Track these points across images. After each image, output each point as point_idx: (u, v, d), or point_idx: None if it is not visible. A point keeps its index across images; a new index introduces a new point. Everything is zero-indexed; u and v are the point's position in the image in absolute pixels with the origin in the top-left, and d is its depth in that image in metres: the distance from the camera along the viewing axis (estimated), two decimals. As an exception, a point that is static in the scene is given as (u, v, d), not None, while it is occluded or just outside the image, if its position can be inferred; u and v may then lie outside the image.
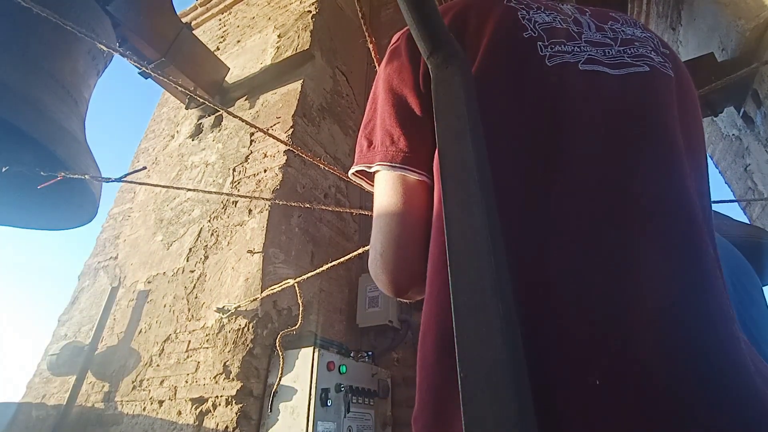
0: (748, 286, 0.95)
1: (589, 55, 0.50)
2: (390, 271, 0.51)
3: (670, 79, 0.51)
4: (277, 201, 1.61)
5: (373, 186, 0.55)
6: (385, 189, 0.51)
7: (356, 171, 0.55)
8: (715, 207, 0.92)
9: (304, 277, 1.88)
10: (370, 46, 0.94)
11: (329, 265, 1.70)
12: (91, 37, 1.01)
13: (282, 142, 1.29)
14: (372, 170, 0.52)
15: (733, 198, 3.11)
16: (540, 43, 0.50)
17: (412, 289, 0.52)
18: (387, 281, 0.52)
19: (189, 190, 1.45)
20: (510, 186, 0.40)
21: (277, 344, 2.02)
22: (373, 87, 0.57)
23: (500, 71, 0.48)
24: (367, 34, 0.88)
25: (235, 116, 1.21)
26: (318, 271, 1.75)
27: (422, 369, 0.39)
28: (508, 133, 0.44)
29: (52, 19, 0.97)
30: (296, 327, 2.07)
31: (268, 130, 2.82)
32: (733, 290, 0.87)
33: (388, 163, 0.50)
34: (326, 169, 1.32)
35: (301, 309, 2.02)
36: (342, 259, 1.71)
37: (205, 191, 1.46)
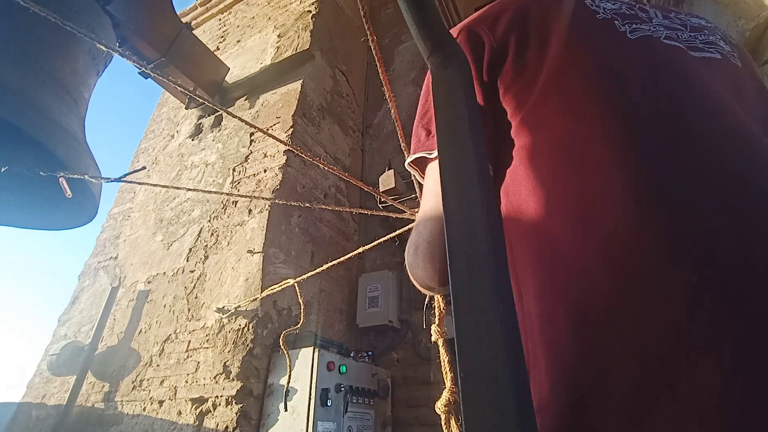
0: None
1: (666, 33, 0.50)
2: (439, 259, 0.50)
3: (739, 69, 0.51)
4: (277, 201, 1.61)
5: (424, 178, 0.56)
6: (435, 177, 0.52)
7: (413, 161, 0.56)
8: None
9: (304, 276, 1.88)
10: (372, 44, 0.94)
11: (329, 264, 1.70)
12: (91, 37, 1.01)
13: (282, 142, 1.29)
14: (432, 156, 0.52)
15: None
16: (616, 21, 0.50)
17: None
18: (430, 270, 0.51)
19: (189, 189, 1.45)
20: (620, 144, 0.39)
21: (282, 343, 2.01)
22: (426, 79, 0.57)
23: (584, 47, 0.47)
24: (369, 32, 0.88)
25: (235, 116, 1.21)
26: (318, 270, 1.75)
27: (552, 350, 0.36)
28: (599, 107, 0.43)
29: (52, 19, 0.97)
30: (299, 326, 2.07)
31: (267, 130, 2.82)
32: None
33: None
34: (326, 169, 1.32)
35: (302, 308, 2.02)
36: (342, 259, 1.71)
37: (205, 191, 1.46)
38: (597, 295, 0.35)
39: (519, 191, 0.45)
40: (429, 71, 0.57)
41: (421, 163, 0.56)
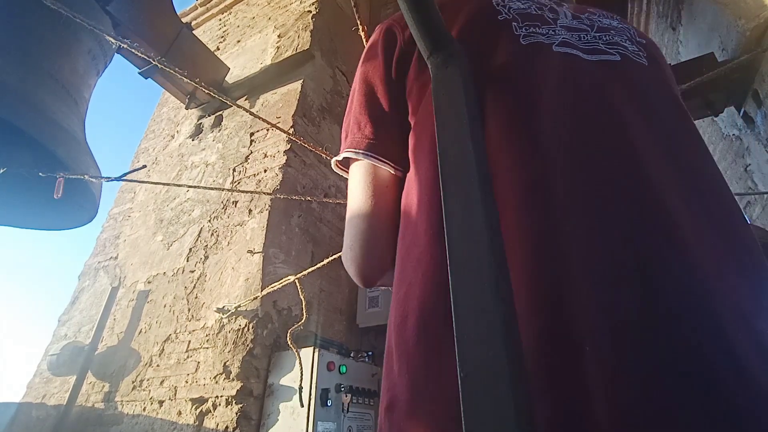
0: None
1: (563, 38, 0.50)
2: (358, 264, 0.52)
3: (643, 68, 0.51)
4: (278, 195, 1.61)
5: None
6: (355, 180, 0.52)
7: (336, 163, 0.56)
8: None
9: (305, 272, 1.87)
10: (362, 34, 0.95)
11: (330, 258, 1.70)
12: (99, 29, 1.00)
13: (288, 134, 1.29)
14: (340, 158, 0.53)
15: (733, 198, 3.10)
16: (515, 23, 0.50)
17: (381, 279, 0.53)
18: (355, 273, 0.53)
19: (189, 187, 1.45)
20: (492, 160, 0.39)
21: (289, 341, 1.99)
22: (356, 76, 0.57)
23: (474, 49, 0.47)
24: (359, 22, 0.88)
25: (245, 109, 1.22)
26: (319, 265, 1.75)
27: (402, 354, 0.37)
28: (485, 112, 0.43)
29: (63, 12, 0.97)
30: (302, 322, 2.06)
31: (267, 130, 2.82)
32: None
33: (353, 150, 0.50)
34: (326, 166, 1.32)
35: (303, 304, 2.01)
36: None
37: (204, 187, 1.46)
38: (435, 306, 0.36)
39: (407, 194, 0.46)
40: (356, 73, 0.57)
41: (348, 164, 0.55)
